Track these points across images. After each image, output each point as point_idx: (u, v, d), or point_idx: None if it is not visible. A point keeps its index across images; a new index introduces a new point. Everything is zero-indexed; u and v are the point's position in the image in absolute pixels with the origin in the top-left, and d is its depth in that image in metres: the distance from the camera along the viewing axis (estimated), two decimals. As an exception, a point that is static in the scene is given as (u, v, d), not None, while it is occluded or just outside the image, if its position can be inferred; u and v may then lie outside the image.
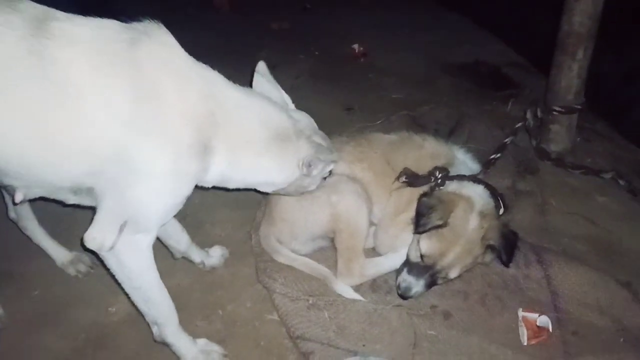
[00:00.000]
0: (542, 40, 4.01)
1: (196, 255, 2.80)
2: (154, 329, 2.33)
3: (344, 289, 2.61)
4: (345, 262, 2.62)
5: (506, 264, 2.44)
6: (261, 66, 2.39)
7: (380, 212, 2.71)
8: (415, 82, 4.64)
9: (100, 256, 2.03)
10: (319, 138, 2.28)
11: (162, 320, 2.27)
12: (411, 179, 2.56)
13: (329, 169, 2.38)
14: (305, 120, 2.34)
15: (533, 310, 2.56)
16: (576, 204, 3.28)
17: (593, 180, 3.44)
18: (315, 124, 2.38)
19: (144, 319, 2.49)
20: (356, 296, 2.60)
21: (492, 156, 3.22)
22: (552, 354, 2.43)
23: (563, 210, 3.23)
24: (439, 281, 2.50)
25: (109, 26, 1.86)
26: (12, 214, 2.71)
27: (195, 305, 2.64)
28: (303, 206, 2.62)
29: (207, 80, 2.01)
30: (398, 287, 2.52)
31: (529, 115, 3.55)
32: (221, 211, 3.20)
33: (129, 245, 1.99)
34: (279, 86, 2.40)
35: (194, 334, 2.46)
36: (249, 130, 2.08)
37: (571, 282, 2.70)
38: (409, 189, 2.60)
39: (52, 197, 2.06)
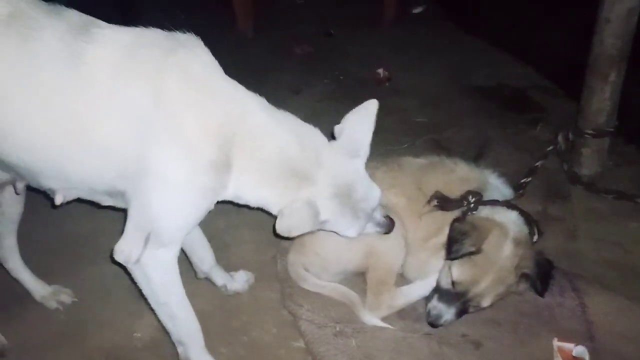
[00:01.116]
0: (568, 63, 3.97)
1: (219, 277, 2.76)
2: (180, 349, 2.29)
3: (371, 318, 2.54)
4: (375, 295, 2.56)
5: (541, 293, 2.36)
6: (372, 105, 2.15)
7: (411, 237, 2.64)
8: (438, 105, 4.61)
9: (128, 269, 2.03)
10: (333, 203, 2.06)
11: (187, 339, 2.25)
12: (443, 202, 2.51)
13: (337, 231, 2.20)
14: (340, 176, 2.07)
15: (568, 340, 2.46)
16: (608, 230, 3.19)
17: (625, 205, 3.34)
18: (361, 188, 2.12)
19: (168, 346, 2.47)
20: (383, 324, 2.53)
21: (523, 180, 3.16)
22: (589, 386, 2.34)
23: (594, 236, 3.13)
24: (471, 309, 2.42)
25: (149, 34, 1.90)
26: None
27: (218, 330, 2.59)
28: (339, 241, 2.51)
29: (237, 99, 1.98)
30: (428, 314, 2.45)
31: (560, 138, 3.48)
32: (246, 233, 3.17)
33: (154, 258, 1.99)
34: (368, 130, 2.14)
35: (218, 360, 2.43)
36: (263, 157, 1.99)
37: (606, 312, 2.59)
38: (440, 214, 2.54)
39: (88, 198, 2.10)
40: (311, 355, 2.45)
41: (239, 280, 2.80)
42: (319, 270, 2.65)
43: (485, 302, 2.36)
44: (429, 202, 2.55)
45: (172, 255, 2.05)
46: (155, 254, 1.99)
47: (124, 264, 2.01)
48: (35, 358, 2.48)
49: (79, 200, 2.14)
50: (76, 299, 2.75)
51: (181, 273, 2.84)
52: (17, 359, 2.47)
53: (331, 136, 2.18)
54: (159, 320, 2.24)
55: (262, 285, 2.83)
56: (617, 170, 3.65)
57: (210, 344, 2.49)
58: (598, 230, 3.19)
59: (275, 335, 2.57)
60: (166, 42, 1.88)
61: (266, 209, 2.14)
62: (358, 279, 2.69)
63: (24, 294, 2.70)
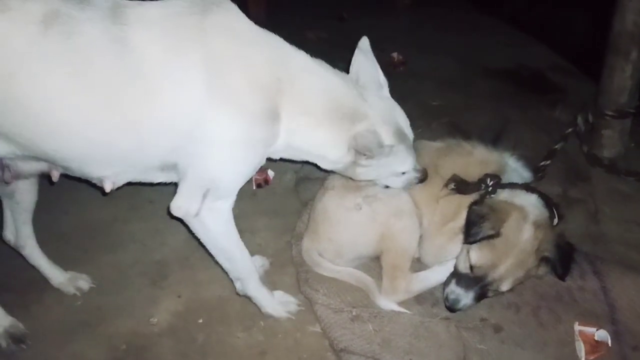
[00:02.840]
0: (587, 42, 3.88)
1: None
2: (237, 284, 2.50)
3: (388, 303, 2.52)
4: (390, 280, 2.53)
5: (562, 277, 2.31)
6: (364, 42, 2.33)
7: (427, 221, 2.61)
8: (455, 87, 4.53)
9: (186, 222, 2.17)
10: (389, 131, 2.17)
11: (244, 275, 2.44)
12: (460, 186, 2.46)
13: (392, 168, 2.30)
14: (384, 108, 2.23)
15: (590, 324, 2.43)
16: (631, 212, 3.14)
17: (648, 187, 3.28)
18: (401, 118, 2.28)
19: (185, 331, 2.51)
20: (400, 309, 2.51)
21: (542, 163, 3.10)
22: (612, 370, 2.30)
23: (617, 218, 3.09)
24: (490, 294, 2.38)
25: (177, 3, 1.93)
26: (8, 235, 2.58)
27: (236, 316, 2.60)
28: (353, 227, 2.55)
29: (274, 46, 2.07)
30: (446, 299, 2.41)
31: (579, 120, 3.41)
32: (260, 220, 3.15)
33: (211, 211, 2.12)
34: (378, 66, 2.34)
35: (235, 345, 2.44)
36: (309, 98, 2.09)
37: (629, 294, 2.55)
38: (457, 197, 2.49)
39: (140, 179, 2.18)
40: (328, 339, 2.44)
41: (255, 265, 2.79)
42: (333, 256, 2.63)
43: (505, 287, 2.32)
44: (446, 185, 2.51)
45: (228, 205, 2.19)
46: (213, 207, 2.11)
47: (183, 218, 2.14)
48: (54, 344, 2.49)
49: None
50: (94, 285, 2.76)
51: (197, 260, 2.86)
52: (36, 345, 2.48)
53: None
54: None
55: (278, 270, 2.82)
56: (639, 151, 3.58)
57: (228, 329, 2.52)
58: (620, 211, 3.14)
59: (291, 320, 2.56)
60: (196, 6, 1.93)
61: (318, 155, 2.23)
62: (374, 263, 2.67)
63: (42, 281, 2.71)
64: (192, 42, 1.88)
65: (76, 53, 1.77)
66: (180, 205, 2.09)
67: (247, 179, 2.18)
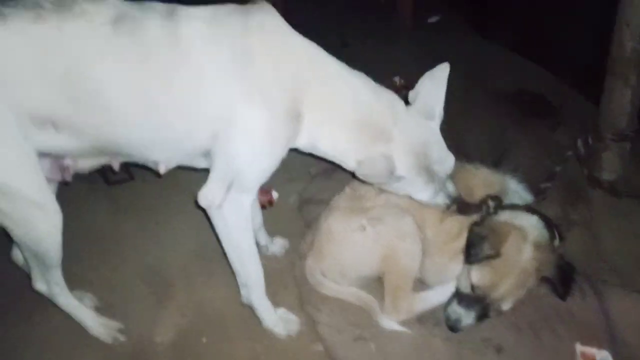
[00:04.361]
0: (588, 67, 3.93)
1: (263, 237, 2.99)
2: (243, 291, 2.56)
3: (390, 322, 2.54)
4: (392, 300, 2.56)
5: (562, 297, 2.33)
6: (442, 68, 2.29)
7: (430, 240, 2.63)
8: (456, 111, 4.51)
9: (209, 214, 2.27)
10: (408, 162, 2.19)
11: (251, 282, 2.48)
12: (462, 207, 2.49)
13: (408, 193, 2.35)
14: (416, 136, 2.22)
15: (591, 344, 2.44)
16: (632, 234, 3.14)
17: (649, 209, 3.29)
18: (435, 151, 2.25)
19: (188, 349, 2.53)
20: (402, 329, 2.53)
21: (543, 185, 3.12)
22: (613, 391, 2.30)
23: (618, 240, 3.10)
24: (491, 313, 2.40)
25: (223, 6, 2.15)
26: (15, 254, 2.64)
27: (238, 333, 2.62)
28: (357, 247, 2.59)
29: (309, 51, 2.17)
30: (447, 318, 2.43)
31: (579, 143, 3.43)
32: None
33: (233, 204, 2.22)
34: (441, 97, 2.29)
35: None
36: (335, 107, 2.17)
37: (630, 315, 2.56)
38: (460, 218, 2.52)
39: (187, 164, 2.34)
40: (330, 359, 2.45)
41: (277, 244, 3.05)
42: (336, 276, 2.66)
43: (506, 306, 2.34)
44: (448, 207, 2.54)
45: (249, 201, 2.28)
46: (236, 199, 2.21)
47: (206, 209, 2.25)
48: (55, 358, 2.51)
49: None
50: (99, 305, 2.75)
51: (202, 272, 2.87)
52: (38, 356, 2.51)
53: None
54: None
55: (281, 290, 2.82)
56: (639, 173, 3.59)
57: (229, 348, 2.53)
58: (621, 234, 3.15)
59: (294, 339, 2.57)
60: (242, 8, 2.13)
61: (340, 160, 2.30)
62: (376, 283, 2.69)
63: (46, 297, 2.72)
64: (231, 37, 2.06)
65: (139, 46, 2.01)
66: (206, 195, 2.20)
67: (269, 172, 2.26)
